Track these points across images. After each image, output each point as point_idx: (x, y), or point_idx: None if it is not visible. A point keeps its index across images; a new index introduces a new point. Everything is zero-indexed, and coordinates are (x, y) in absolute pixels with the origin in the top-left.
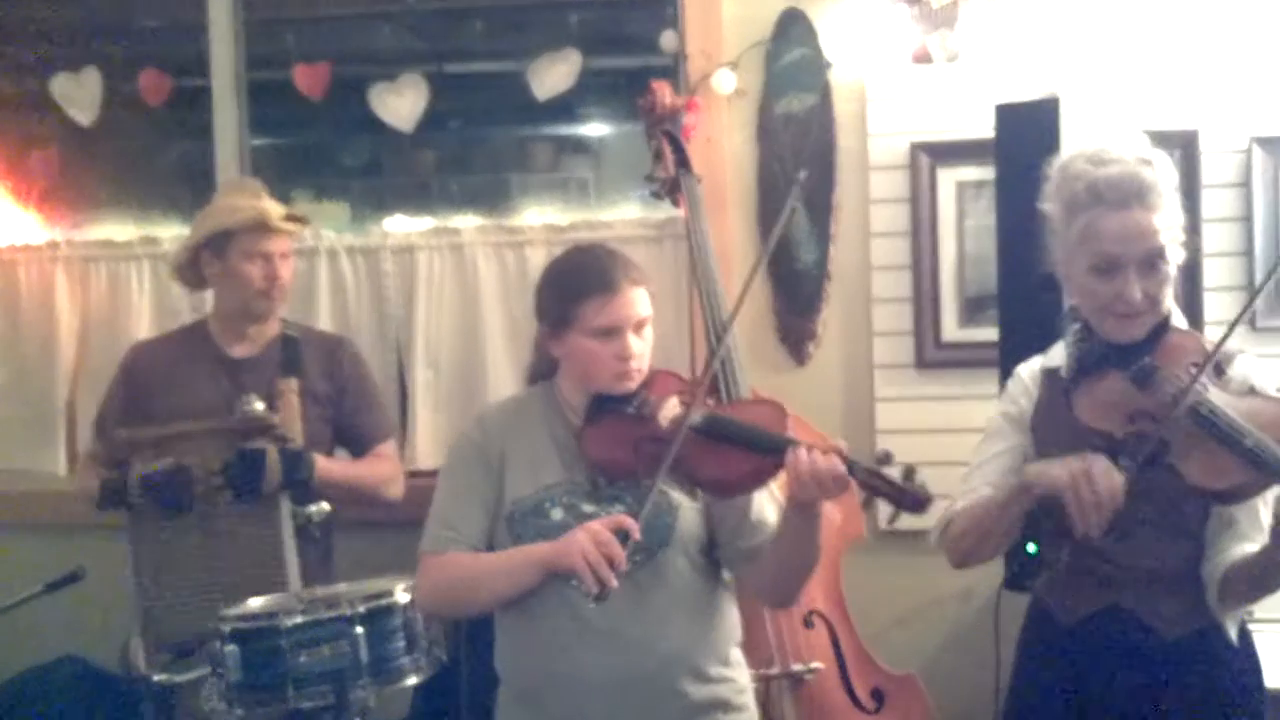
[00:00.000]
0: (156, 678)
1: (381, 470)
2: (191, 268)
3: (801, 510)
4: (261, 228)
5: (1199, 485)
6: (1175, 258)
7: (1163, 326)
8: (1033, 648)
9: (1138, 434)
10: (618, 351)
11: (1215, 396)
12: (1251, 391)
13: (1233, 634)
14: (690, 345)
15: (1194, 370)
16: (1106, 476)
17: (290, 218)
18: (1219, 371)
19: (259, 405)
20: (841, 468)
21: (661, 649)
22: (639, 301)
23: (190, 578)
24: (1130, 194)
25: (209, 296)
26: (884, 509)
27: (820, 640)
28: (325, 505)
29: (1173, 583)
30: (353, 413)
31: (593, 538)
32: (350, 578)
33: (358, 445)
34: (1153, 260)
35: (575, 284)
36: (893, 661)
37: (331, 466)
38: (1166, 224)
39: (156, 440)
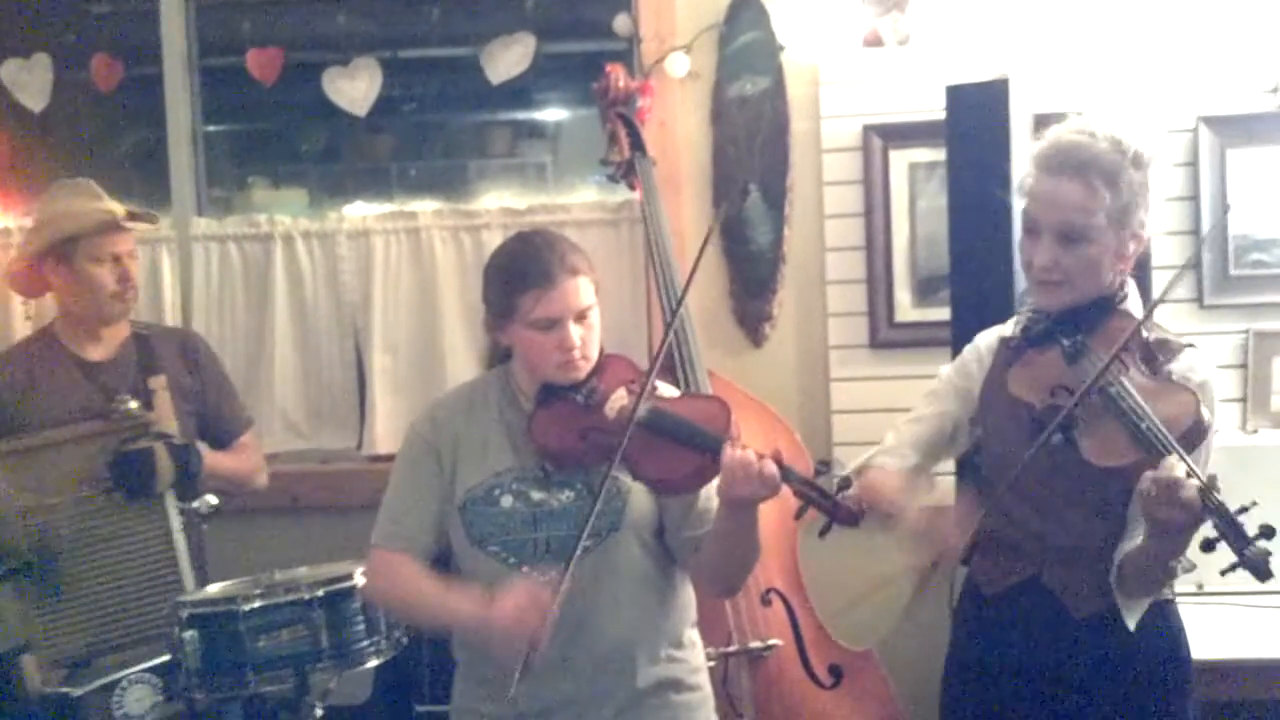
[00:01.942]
0: (63, 690)
1: (251, 461)
2: (31, 276)
3: (735, 507)
4: (110, 229)
5: (1091, 462)
6: (1109, 244)
7: (1106, 307)
8: (962, 617)
9: (1052, 407)
10: (559, 342)
11: (1132, 380)
12: (1169, 380)
13: (1130, 622)
14: (648, 327)
15: (1118, 352)
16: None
17: (133, 215)
18: (1150, 359)
19: (134, 404)
20: (774, 470)
21: (613, 632)
22: (578, 291)
23: (79, 587)
24: (1068, 163)
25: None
26: (818, 519)
27: (778, 618)
28: (211, 499)
29: (1091, 560)
30: (215, 406)
31: (514, 612)
32: (226, 569)
33: (221, 437)
34: (1070, 234)
35: (513, 276)
36: (850, 638)
37: (216, 459)
38: (1101, 206)
39: (29, 451)
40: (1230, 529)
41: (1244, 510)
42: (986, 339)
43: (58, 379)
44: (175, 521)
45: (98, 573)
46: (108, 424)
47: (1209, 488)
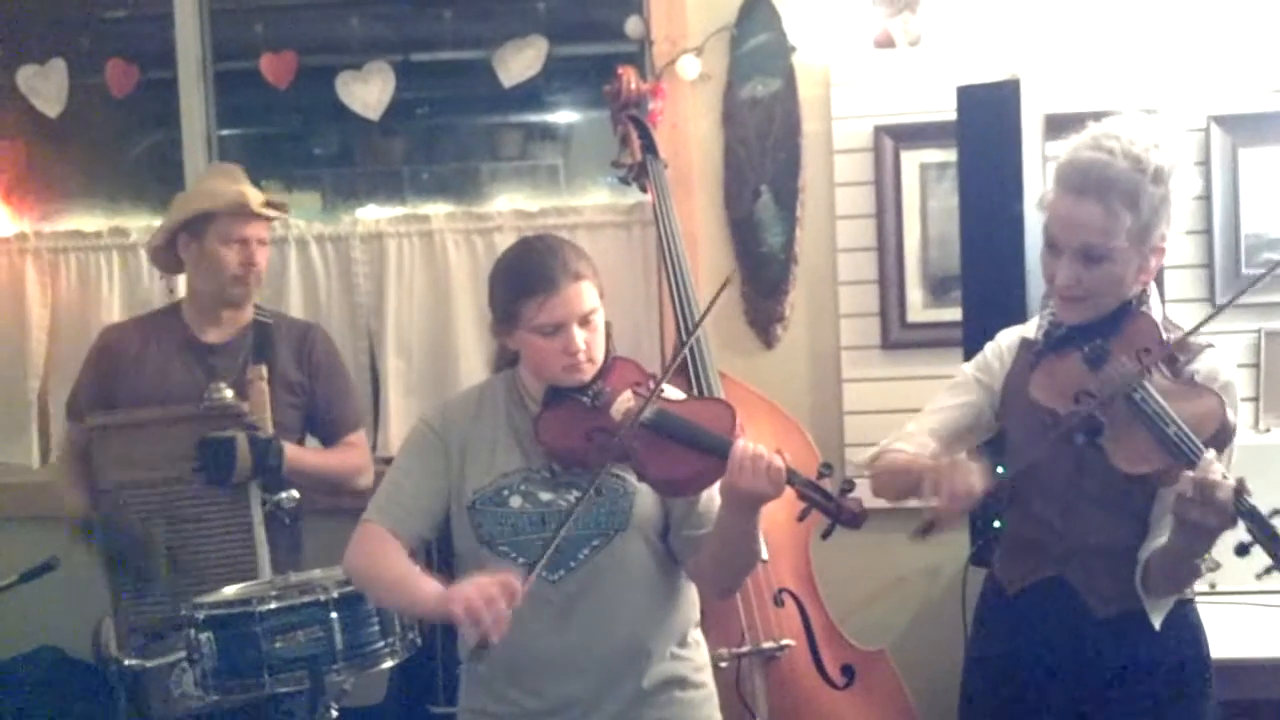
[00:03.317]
0: (128, 662)
1: (352, 460)
2: (167, 250)
3: (737, 509)
4: (241, 212)
5: (1120, 468)
6: (1131, 261)
7: (1124, 311)
8: (983, 616)
9: (1078, 413)
10: (563, 346)
11: (1155, 384)
12: (1191, 383)
13: (1156, 621)
14: (660, 329)
15: (1140, 356)
16: (962, 476)
17: (270, 204)
18: (1172, 361)
19: (228, 393)
20: (779, 464)
21: (617, 631)
22: (581, 296)
23: (161, 562)
24: (1088, 184)
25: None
26: (821, 521)
27: (790, 618)
28: (294, 493)
29: (1114, 561)
30: (325, 401)
31: (478, 591)
32: (319, 565)
33: (328, 433)
34: (1091, 254)
35: (516, 283)
36: (862, 638)
37: (302, 455)
38: (1121, 228)
39: (124, 428)
40: (1264, 531)
41: (1276, 513)
42: (1008, 337)
43: (169, 356)
44: (258, 512)
45: (179, 551)
46: (199, 409)
47: (1242, 490)
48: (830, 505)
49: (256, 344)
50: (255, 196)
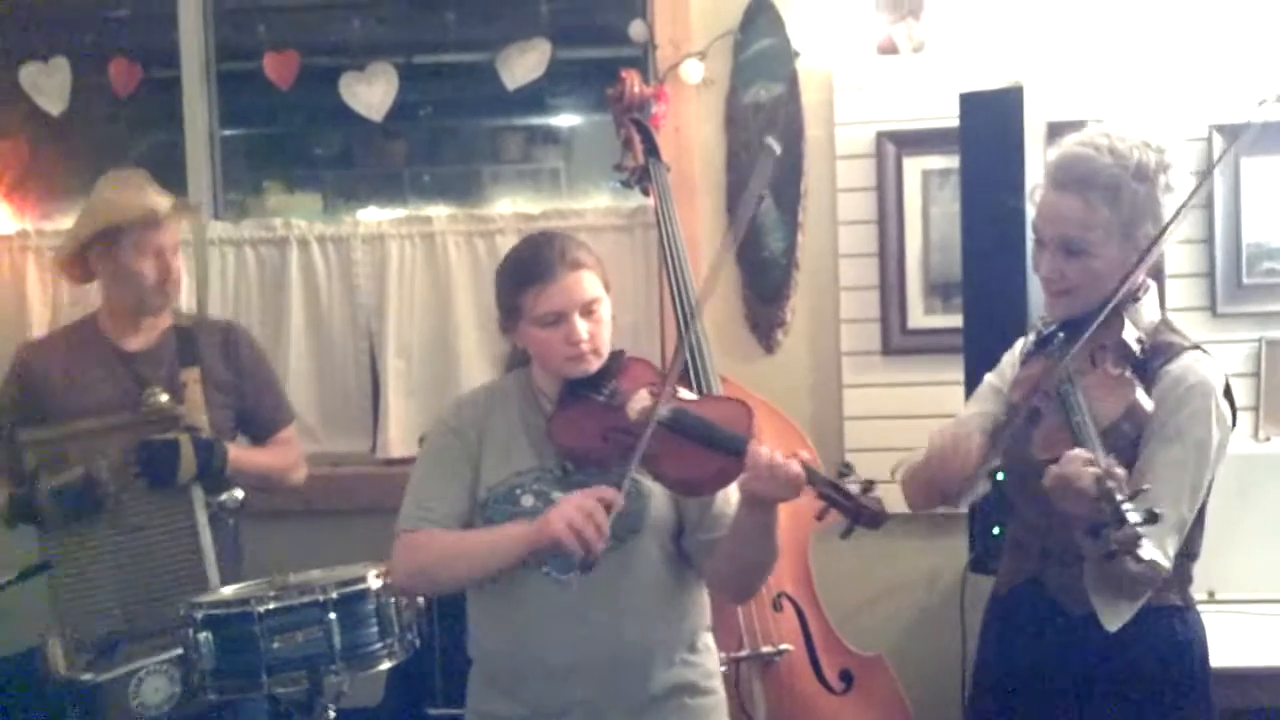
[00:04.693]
0: (84, 677)
1: (288, 457)
2: (78, 262)
3: (755, 508)
4: (152, 223)
5: (1036, 456)
6: (1112, 256)
7: (1098, 311)
8: (984, 617)
9: (1028, 406)
10: (566, 336)
11: (1093, 377)
12: (1119, 377)
13: (1110, 625)
14: (661, 333)
15: (1093, 353)
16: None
17: (177, 208)
18: (1124, 357)
19: (164, 397)
20: (799, 470)
21: (629, 635)
22: (582, 284)
23: (106, 575)
24: (1070, 178)
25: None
26: (841, 521)
27: (789, 622)
28: (238, 493)
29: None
30: (254, 399)
31: (576, 506)
32: (258, 567)
33: (260, 432)
34: (1070, 247)
35: (517, 275)
36: (861, 643)
37: (241, 455)
38: (1099, 222)
39: (60, 440)
40: (1115, 517)
41: (1134, 496)
42: (1024, 341)
43: (94, 368)
44: (202, 516)
45: (125, 560)
46: (136, 415)
47: (1104, 478)
48: (850, 505)
49: (180, 348)
50: (164, 205)
